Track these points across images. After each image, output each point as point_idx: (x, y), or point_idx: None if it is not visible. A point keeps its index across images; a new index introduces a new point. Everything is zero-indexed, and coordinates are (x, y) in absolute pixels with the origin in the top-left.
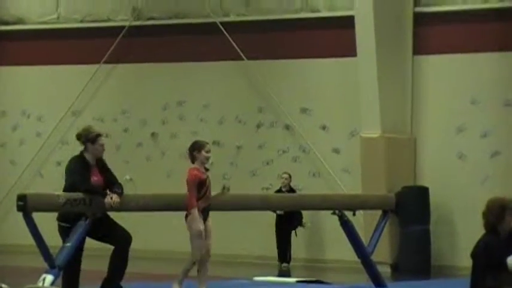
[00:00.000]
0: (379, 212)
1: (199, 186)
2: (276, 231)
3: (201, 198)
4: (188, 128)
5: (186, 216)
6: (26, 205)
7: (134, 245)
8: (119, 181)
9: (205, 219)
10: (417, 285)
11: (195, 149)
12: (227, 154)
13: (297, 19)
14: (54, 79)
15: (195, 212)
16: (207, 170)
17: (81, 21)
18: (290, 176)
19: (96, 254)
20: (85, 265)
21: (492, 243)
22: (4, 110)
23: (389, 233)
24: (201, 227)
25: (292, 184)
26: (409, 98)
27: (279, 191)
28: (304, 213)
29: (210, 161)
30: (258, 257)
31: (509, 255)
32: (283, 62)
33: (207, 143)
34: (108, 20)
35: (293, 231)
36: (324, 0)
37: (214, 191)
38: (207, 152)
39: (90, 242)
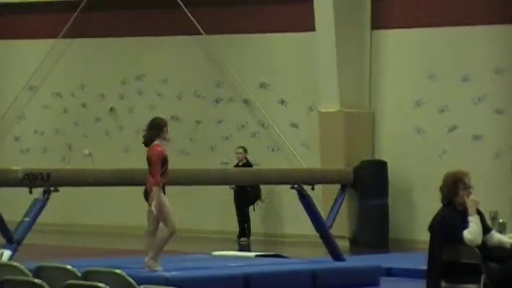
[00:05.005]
0: (338, 186)
1: (163, 162)
2: (235, 206)
3: (162, 174)
4: (146, 102)
5: (146, 192)
6: None
7: (89, 221)
8: None
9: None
10: (375, 258)
11: (158, 127)
12: (186, 129)
13: None
14: (11, 54)
15: (157, 190)
16: None
17: None
18: (245, 150)
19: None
20: (46, 240)
21: (449, 217)
22: None
23: (347, 207)
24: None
25: (250, 159)
26: (368, 72)
27: (236, 165)
28: (263, 187)
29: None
30: (217, 231)
31: (465, 228)
32: (242, 37)
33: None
34: None
35: (251, 206)
36: None
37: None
38: (167, 128)
39: (49, 218)
